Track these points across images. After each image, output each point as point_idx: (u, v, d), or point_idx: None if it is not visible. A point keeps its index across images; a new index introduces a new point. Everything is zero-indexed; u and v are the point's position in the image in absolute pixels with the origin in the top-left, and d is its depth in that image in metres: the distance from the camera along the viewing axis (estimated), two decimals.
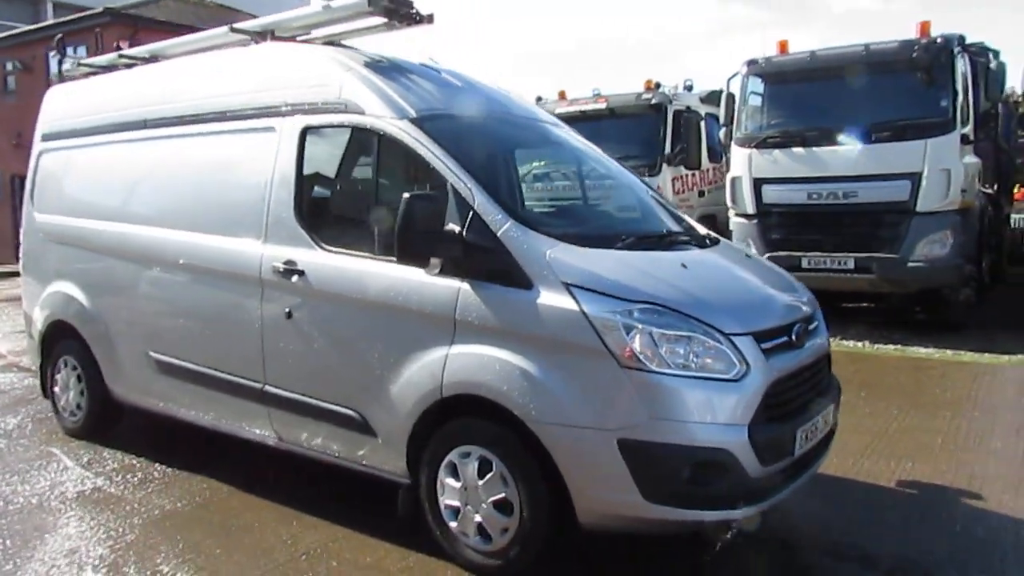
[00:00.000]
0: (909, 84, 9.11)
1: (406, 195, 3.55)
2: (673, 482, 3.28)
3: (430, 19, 4.84)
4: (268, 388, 4.39)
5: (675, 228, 4.50)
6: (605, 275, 3.47)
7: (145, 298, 5.06)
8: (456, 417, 3.71)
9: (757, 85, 10.03)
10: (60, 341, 5.84)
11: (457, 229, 3.62)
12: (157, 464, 5.17)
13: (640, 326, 3.31)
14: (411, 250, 3.61)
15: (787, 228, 9.62)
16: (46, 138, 6.07)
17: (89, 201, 5.54)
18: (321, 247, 4.14)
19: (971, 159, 9.27)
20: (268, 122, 4.45)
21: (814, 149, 9.42)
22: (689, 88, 12.25)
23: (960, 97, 8.88)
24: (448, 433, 3.73)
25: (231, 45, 5.31)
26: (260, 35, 4.94)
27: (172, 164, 4.99)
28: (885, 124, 9.04)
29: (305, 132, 4.29)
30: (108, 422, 5.71)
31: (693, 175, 11.54)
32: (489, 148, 4.39)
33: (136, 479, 4.94)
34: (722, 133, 10.52)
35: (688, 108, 11.58)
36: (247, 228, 4.46)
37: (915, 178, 8.86)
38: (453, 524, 3.72)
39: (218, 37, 5.23)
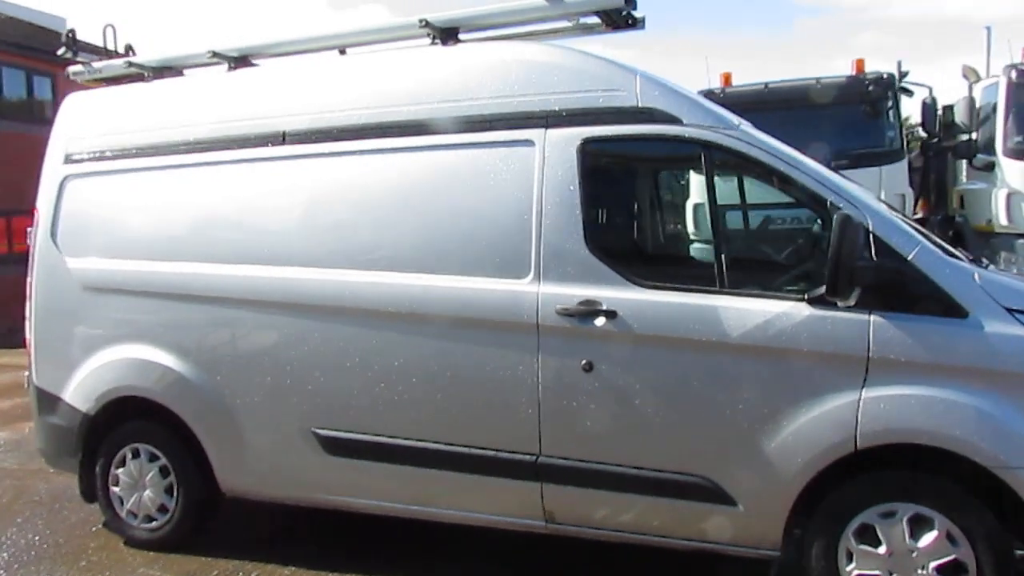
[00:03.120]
0: (858, 115, 9.76)
1: (840, 216, 3.02)
2: None
3: (642, 24, 4.30)
4: (545, 460, 3.56)
5: None
6: None
7: (310, 360, 3.92)
8: (863, 472, 3.20)
9: None
10: (125, 424, 4.43)
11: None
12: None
13: None
14: (846, 281, 3.05)
15: None
16: (74, 160, 4.60)
17: (182, 239, 4.23)
18: (635, 283, 3.43)
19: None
20: (521, 134, 3.65)
21: None
22: None
23: (902, 128, 9.69)
24: (857, 491, 3.20)
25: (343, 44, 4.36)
26: (446, 32, 4.07)
27: (346, 188, 3.95)
28: (842, 152, 9.57)
29: (585, 145, 3.56)
30: (201, 526, 4.39)
31: None
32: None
33: None
34: None
35: None
36: (500, 263, 3.62)
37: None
38: None
39: (376, 32, 4.25)
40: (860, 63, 10.01)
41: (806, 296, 3.21)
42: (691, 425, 3.38)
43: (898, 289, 3.15)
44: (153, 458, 4.36)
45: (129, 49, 5.14)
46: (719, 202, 3.56)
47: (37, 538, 4.65)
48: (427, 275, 3.73)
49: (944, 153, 10.89)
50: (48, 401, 4.59)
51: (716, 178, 3.44)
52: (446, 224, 3.76)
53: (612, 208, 3.88)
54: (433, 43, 4.08)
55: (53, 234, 4.59)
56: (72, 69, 4.95)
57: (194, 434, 4.22)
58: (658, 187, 3.84)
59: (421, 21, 3.99)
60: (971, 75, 10.81)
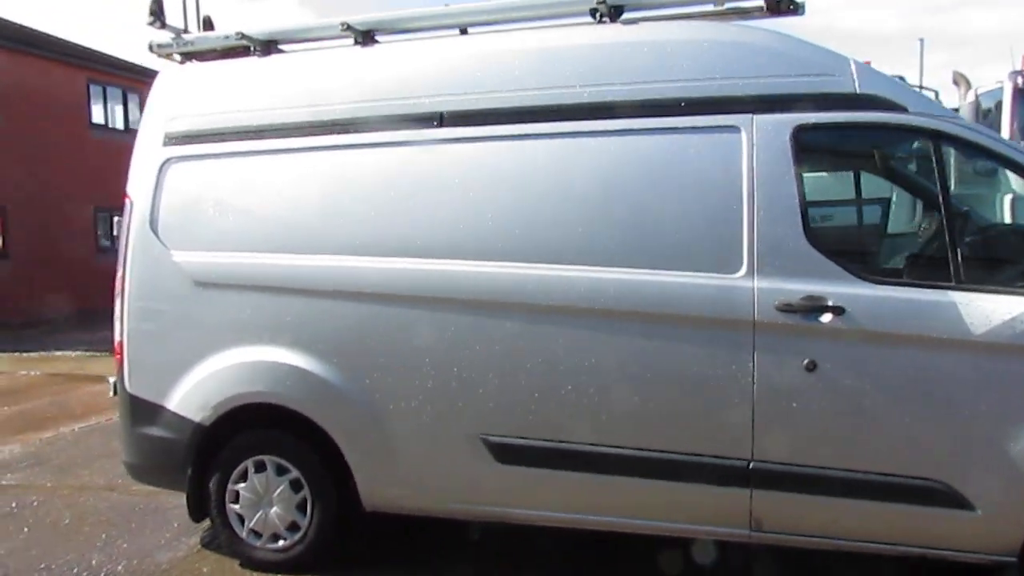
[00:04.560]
0: None
1: None
2: None
3: (802, 10, 4.14)
4: (758, 465, 3.36)
5: None
6: None
7: (482, 361, 3.60)
8: None
9: None
10: (246, 435, 4.00)
11: None
12: None
13: None
14: None
15: None
16: (176, 141, 4.13)
17: (319, 230, 3.83)
18: (861, 278, 3.27)
19: None
20: (725, 119, 3.44)
21: None
22: None
23: None
24: None
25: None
26: (615, 9, 3.80)
27: (520, 175, 3.63)
28: None
29: (799, 132, 3.38)
30: (336, 546, 4.00)
31: None
32: None
33: None
34: None
35: None
36: (706, 257, 3.40)
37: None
38: None
39: (534, 8, 3.93)
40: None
41: None
42: (926, 427, 3.23)
43: None
44: (282, 471, 3.94)
45: (208, 23, 4.70)
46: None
47: (135, 562, 4.16)
48: (621, 269, 3.47)
49: None
50: (146, 410, 4.10)
51: (949, 166, 3.31)
52: (640, 214, 3.50)
53: (829, 199, 3.72)
54: (601, 21, 3.82)
55: (153, 224, 4.11)
56: (156, 40, 4.45)
57: (334, 444, 3.83)
58: (887, 176, 3.70)
59: None
60: (962, 82, 11.15)
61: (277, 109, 3.98)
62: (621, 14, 3.83)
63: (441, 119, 3.75)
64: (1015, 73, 9.59)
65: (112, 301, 4.18)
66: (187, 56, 4.47)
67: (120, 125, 18.34)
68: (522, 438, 3.61)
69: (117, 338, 4.19)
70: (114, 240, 18.28)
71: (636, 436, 3.49)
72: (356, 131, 3.85)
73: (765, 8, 3.96)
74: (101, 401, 8.36)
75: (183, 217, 4.08)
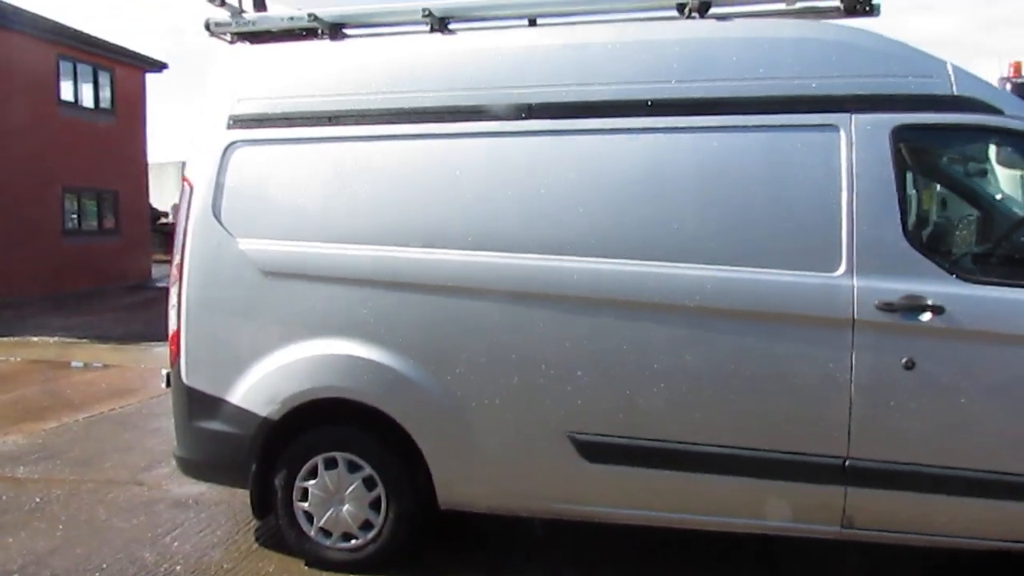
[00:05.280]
0: None
1: None
2: None
3: (878, 11, 4.15)
4: (854, 462, 3.37)
5: None
6: None
7: (571, 358, 3.54)
8: None
9: None
10: (315, 430, 3.89)
11: None
12: None
13: None
14: None
15: None
16: (242, 124, 3.97)
17: (398, 221, 3.72)
18: (960, 277, 3.31)
19: None
20: (823, 118, 3.43)
21: None
22: None
23: None
24: None
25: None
26: (703, 6, 3.77)
27: (611, 170, 3.57)
28: None
29: (898, 132, 3.39)
30: (409, 546, 3.91)
31: None
32: None
33: None
34: None
35: None
36: (804, 255, 3.39)
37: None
38: None
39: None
40: None
41: None
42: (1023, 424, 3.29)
43: None
44: (354, 468, 3.84)
45: (261, 2, 4.53)
46: None
47: (193, 560, 4.01)
48: (716, 266, 3.44)
49: None
50: (206, 404, 3.95)
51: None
52: (736, 212, 3.48)
53: (926, 199, 3.75)
54: (689, 16, 3.78)
55: (216, 210, 3.94)
56: (214, 18, 4.26)
57: (410, 440, 3.74)
58: (971, 178, 3.75)
59: None
60: None
61: (354, 95, 3.85)
62: (708, 9, 3.80)
63: (530, 110, 3.67)
64: (1003, 80, 9.83)
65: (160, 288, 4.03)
66: (242, 36, 4.32)
67: (90, 104, 17.71)
68: (611, 436, 3.56)
69: (173, 327, 4.02)
70: (81, 222, 17.71)
71: (729, 434, 3.47)
72: (439, 120, 3.74)
73: (842, 9, 3.97)
74: (98, 390, 8.12)
75: (249, 203, 3.93)
